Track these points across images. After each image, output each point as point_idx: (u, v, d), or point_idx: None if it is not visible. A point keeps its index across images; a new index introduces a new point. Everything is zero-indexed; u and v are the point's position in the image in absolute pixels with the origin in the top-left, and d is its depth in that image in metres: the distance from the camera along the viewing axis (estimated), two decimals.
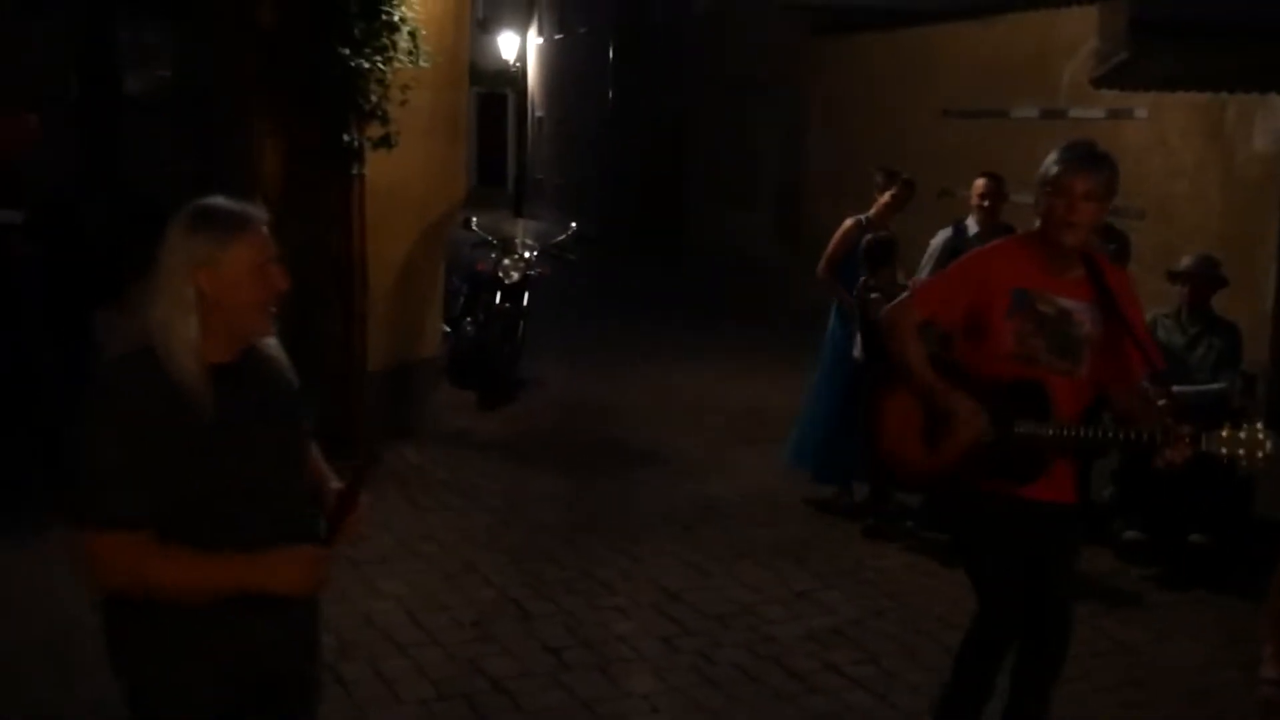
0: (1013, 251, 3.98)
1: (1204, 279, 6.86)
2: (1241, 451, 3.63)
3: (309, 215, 7.71)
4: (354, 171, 7.53)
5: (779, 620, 5.74)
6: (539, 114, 29.53)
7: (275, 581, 2.71)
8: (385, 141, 7.50)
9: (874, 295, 6.71)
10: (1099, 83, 10.59)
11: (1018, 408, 3.82)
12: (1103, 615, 5.87)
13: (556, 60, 28.12)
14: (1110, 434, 3.87)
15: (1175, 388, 6.60)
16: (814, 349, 7.75)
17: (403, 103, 7.49)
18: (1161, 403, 6.08)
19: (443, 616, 5.62)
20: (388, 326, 8.17)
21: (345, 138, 7.38)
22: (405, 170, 7.91)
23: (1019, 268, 3.88)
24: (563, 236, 11.24)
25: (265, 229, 2.72)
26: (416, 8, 7.60)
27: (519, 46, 27.82)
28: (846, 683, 5.12)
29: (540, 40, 29.01)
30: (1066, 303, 3.85)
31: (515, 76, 28.80)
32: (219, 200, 2.72)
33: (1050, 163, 3.80)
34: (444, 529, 6.76)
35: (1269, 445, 3.61)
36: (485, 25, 29.42)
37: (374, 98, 7.37)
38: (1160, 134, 10.01)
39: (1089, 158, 3.78)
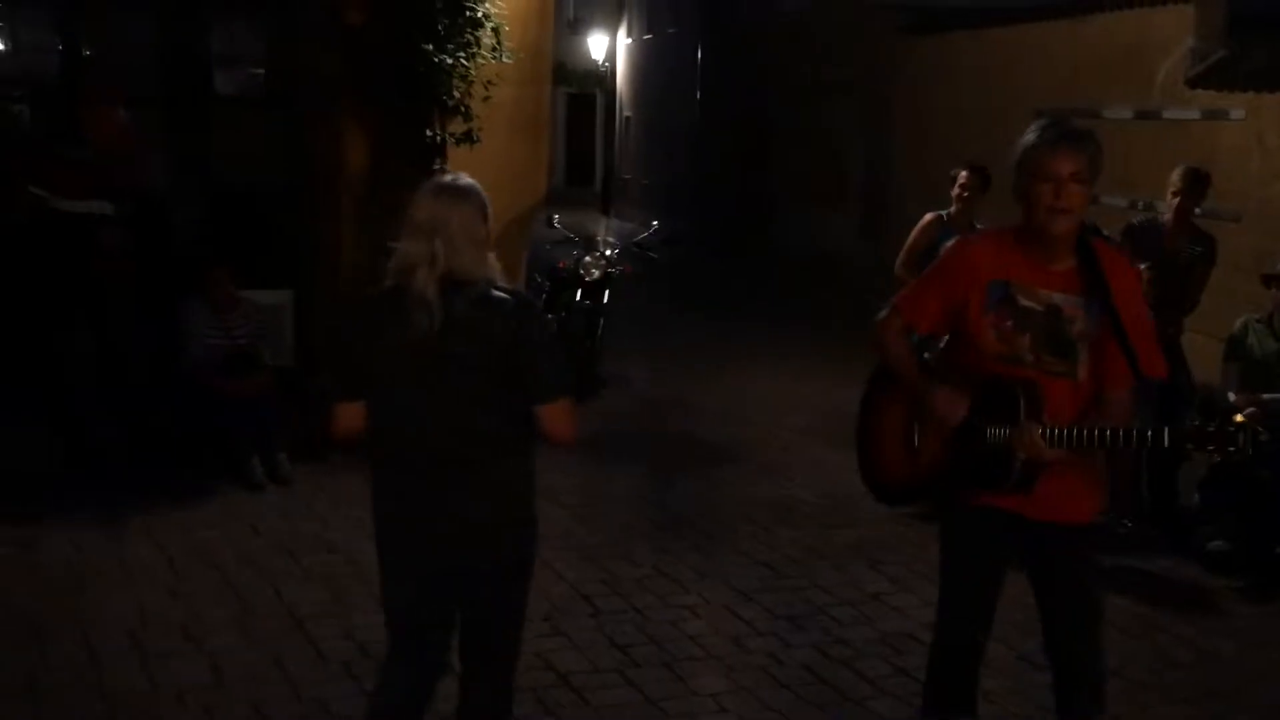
0: (992, 242, 3.70)
1: None
2: (1211, 446, 3.30)
3: (393, 211, 7.78)
4: (436, 167, 7.60)
5: (851, 623, 5.68)
6: (627, 114, 29.59)
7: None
8: (468, 137, 7.57)
9: None
10: (1195, 82, 10.42)
11: (994, 410, 3.55)
12: (1186, 625, 5.74)
13: (645, 61, 28.16)
14: (1084, 434, 3.45)
15: (1266, 395, 6.45)
16: None
17: (486, 99, 7.56)
18: (1250, 410, 5.95)
19: None
20: None
21: (428, 133, 7.46)
22: (488, 166, 7.90)
23: (998, 259, 3.61)
24: (645, 235, 11.24)
25: (484, 197, 3.58)
26: (500, 4, 7.67)
27: (608, 46, 27.91)
28: (917, 687, 5.02)
29: (629, 41, 29.07)
30: (1054, 297, 3.55)
31: (604, 77, 28.89)
32: (451, 175, 3.64)
33: (1027, 144, 3.51)
34: None
35: (1240, 438, 3.25)
36: (575, 26, 29.60)
37: (457, 93, 7.46)
38: (1258, 134, 9.79)
39: (1071, 135, 3.49)
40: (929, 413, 3.69)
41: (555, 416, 3.46)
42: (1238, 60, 10.15)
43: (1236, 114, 10.00)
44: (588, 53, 28.28)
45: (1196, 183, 7.08)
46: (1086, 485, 3.71)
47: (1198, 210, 7.23)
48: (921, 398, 3.71)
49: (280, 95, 8.24)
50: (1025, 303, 3.56)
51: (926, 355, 4.06)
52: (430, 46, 7.24)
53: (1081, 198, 3.46)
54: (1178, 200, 7.07)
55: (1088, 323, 3.53)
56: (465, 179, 3.58)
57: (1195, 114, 10.39)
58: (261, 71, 8.58)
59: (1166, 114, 10.71)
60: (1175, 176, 7.12)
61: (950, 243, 3.91)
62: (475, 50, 7.44)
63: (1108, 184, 7.99)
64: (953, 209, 7.31)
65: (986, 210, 7.41)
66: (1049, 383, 3.55)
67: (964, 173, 7.31)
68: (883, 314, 3.85)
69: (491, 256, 3.53)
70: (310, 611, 5.53)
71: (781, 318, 14.58)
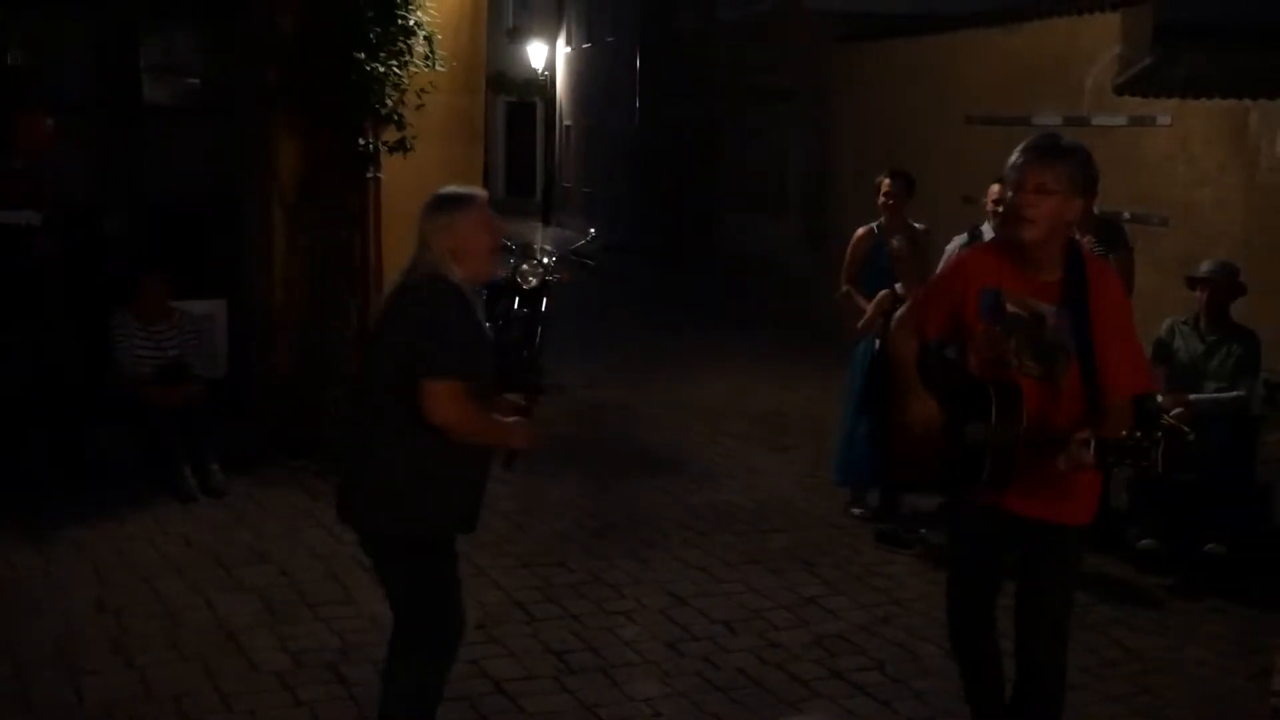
0: (987, 252, 4.00)
1: (1222, 285, 6.79)
2: (1128, 460, 3.46)
3: (326, 219, 7.81)
4: (370, 175, 7.57)
5: (786, 626, 5.71)
6: (567, 123, 29.58)
7: (518, 440, 3.99)
8: (401, 145, 7.54)
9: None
10: (1122, 89, 10.56)
11: (971, 410, 3.73)
12: (1115, 623, 5.82)
13: (584, 69, 28.17)
14: (1024, 435, 3.66)
15: (1192, 396, 6.55)
16: (838, 356, 7.72)
17: (419, 107, 7.53)
18: (1177, 411, 6.04)
19: None
20: None
21: (361, 142, 7.42)
22: (421, 174, 7.90)
23: (991, 268, 3.82)
24: (582, 242, 11.24)
25: (485, 201, 3.90)
26: (433, 12, 7.64)
27: (547, 55, 27.90)
28: (851, 689, 5.09)
29: (569, 49, 29.07)
30: (1041, 306, 3.72)
31: (544, 85, 28.86)
32: (456, 188, 3.94)
33: (1012, 159, 3.74)
34: None
35: (1155, 451, 3.38)
36: (514, 35, 29.53)
37: (390, 102, 7.42)
38: (1183, 140, 9.93)
39: (1044, 150, 3.68)
40: (912, 415, 3.96)
41: (430, 394, 3.71)
42: (1163, 67, 10.30)
43: (1163, 120, 10.14)
44: (527, 61, 28.24)
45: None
46: (1080, 488, 3.81)
47: (1124, 211, 7.29)
48: (909, 400, 3.97)
49: (212, 104, 8.17)
50: (1013, 309, 3.74)
51: (948, 353, 4.14)
52: (362, 55, 7.21)
53: (1047, 208, 3.62)
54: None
55: (1070, 332, 3.68)
56: (463, 190, 3.94)
57: (1123, 120, 10.53)
58: (194, 80, 8.49)
59: (1095, 120, 10.84)
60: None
61: (956, 253, 4.28)
62: (408, 59, 7.42)
63: None
64: (883, 219, 7.36)
65: (917, 214, 7.49)
66: (1030, 386, 3.72)
67: (886, 180, 7.35)
68: (899, 314, 4.21)
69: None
70: (243, 623, 5.48)
71: (722, 324, 14.63)
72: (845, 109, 15.37)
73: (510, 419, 3.96)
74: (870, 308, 6.95)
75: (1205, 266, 6.94)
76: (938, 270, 4.32)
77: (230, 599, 5.73)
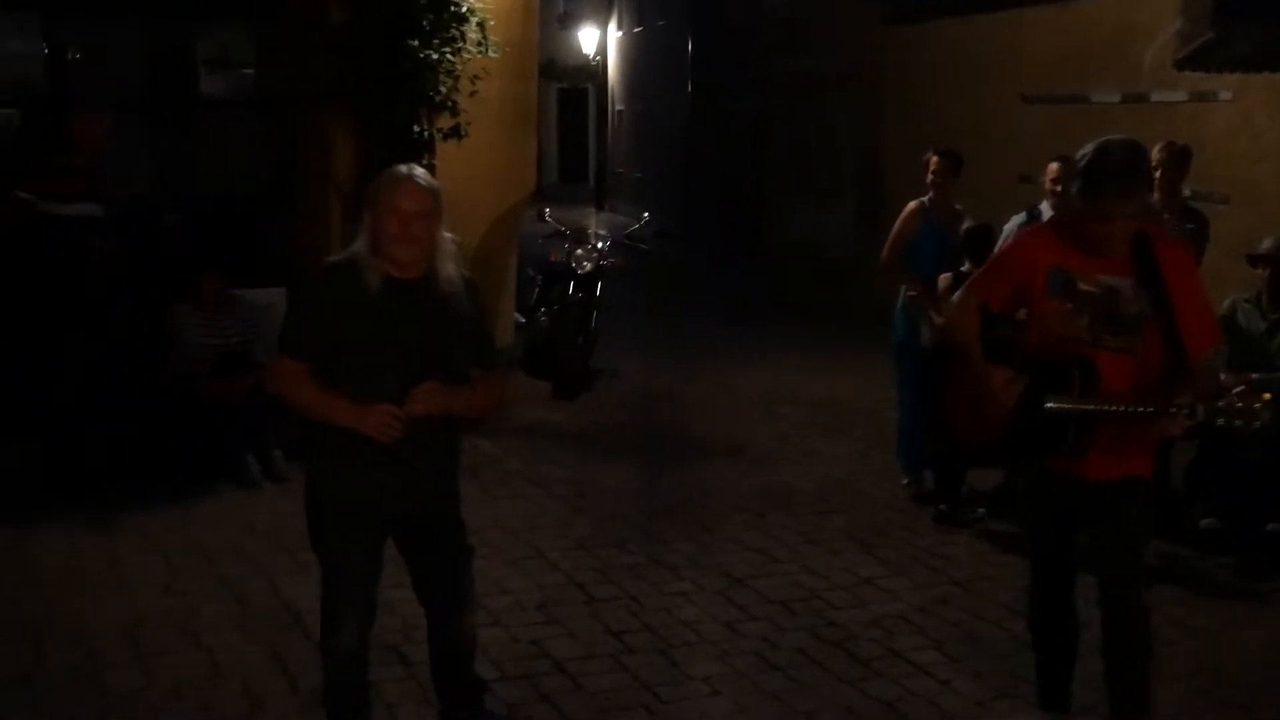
0: (1052, 233, 4.07)
1: None
2: (1238, 421, 3.61)
3: None
4: (424, 162, 7.61)
5: (844, 606, 5.71)
6: (619, 108, 29.57)
7: (351, 420, 3.72)
8: (455, 132, 7.59)
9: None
10: (1182, 64, 10.43)
11: (1050, 384, 3.83)
12: (1176, 604, 5.76)
13: (636, 54, 28.14)
14: (1121, 407, 3.81)
15: (1255, 375, 6.47)
16: (891, 341, 7.70)
17: (472, 93, 7.58)
18: (1239, 389, 5.97)
19: (507, 599, 5.68)
20: None
21: (415, 129, 7.47)
22: (476, 161, 8.00)
23: (1058, 248, 3.94)
24: (635, 226, 11.26)
25: (414, 188, 3.73)
26: None
27: (599, 40, 27.90)
28: (909, 668, 5.09)
29: (620, 34, 29.04)
30: (1111, 280, 3.87)
31: (596, 71, 28.87)
32: (403, 167, 3.82)
33: (1085, 161, 3.79)
34: (514, 517, 6.82)
35: (1265, 413, 3.58)
36: (565, 21, 29.56)
37: (443, 89, 7.47)
38: (1245, 116, 9.80)
39: (1128, 177, 3.76)
40: (986, 390, 4.01)
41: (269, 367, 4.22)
42: (1224, 43, 10.15)
43: (1224, 95, 10.01)
44: (578, 47, 28.24)
45: (1176, 156, 7.06)
46: (1144, 444, 3.97)
47: (1186, 191, 7.21)
48: (980, 375, 4.02)
49: (267, 96, 8.26)
50: (1085, 287, 3.87)
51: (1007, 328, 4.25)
52: (415, 42, 7.27)
53: (1126, 230, 3.81)
54: (1160, 175, 7.05)
55: (1144, 302, 3.83)
56: (398, 168, 3.86)
57: (1183, 96, 10.40)
58: (249, 73, 8.59)
59: (1154, 97, 10.71)
60: (1155, 153, 7.09)
61: (1015, 232, 4.38)
62: (461, 45, 7.47)
63: None
64: (930, 196, 7.32)
65: (961, 193, 7.43)
66: (1107, 359, 3.86)
67: (934, 158, 7.32)
68: (958, 295, 4.25)
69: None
70: (307, 605, 5.52)
71: (773, 310, 14.60)
72: (895, 91, 15.28)
73: (375, 407, 3.69)
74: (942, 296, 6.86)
75: (1267, 243, 6.84)
76: (998, 248, 4.35)
77: (294, 582, 5.80)
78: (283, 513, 6.80)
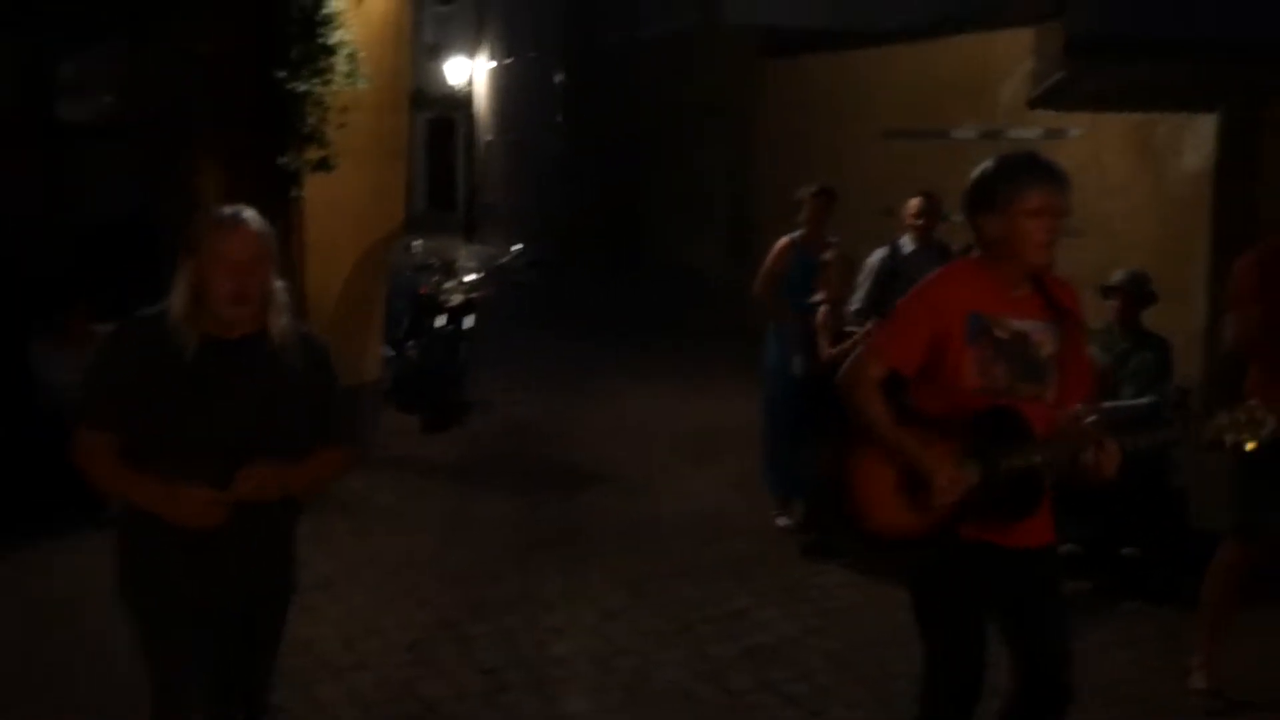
0: (962, 275, 3.68)
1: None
2: (1245, 435, 3.42)
3: None
4: (292, 195, 7.53)
5: (716, 639, 5.75)
6: (489, 138, 29.53)
7: (169, 509, 3.24)
8: (323, 164, 7.51)
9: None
10: (1035, 103, 10.79)
11: (996, 440, 3.51)
12: None
13: (506, 84, 28.14)
14: (1065, 451, 3.50)
15: (1106, 403, 6.69)
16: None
17: (341, 125, 7.50)
18: (1091, 419, 6.16)
19: (377, 640, 5.60)
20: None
21: (282, 161, 7.38)
22: (345, 193, 7.92)
23: (970, 291, 3.59)
24: (506, 258, 11.25)
25: (245, 234, 3.22)
26: (355, 30, 7.62)
27: (467, 71, 27.84)
28: (781, 700, 5.14)
29: (490, 64, 29.03)
30: (1021, 324, 3.58)
31: (464, 100, 28.80)
32: (230, 208, 3.30)
33: (998, 179, 3.53)
34: (386, 553, 6.74)
35: (1271, 417, 3.40)
36: (434, 50, 29.44)
37: (312, 120, 7.38)
38: (1095, 153, 10.15)
39: (1055, 172, 3.53)
40: (929, 482, 3.51)
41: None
42: (1075, 82, 10.53)
43: (1075, 133, 10.37)
44: (446, 77, 28.16)
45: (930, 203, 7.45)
46: (1049, 504, 3.70)
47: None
48: (920, 467, 3.52)
49: (134, 124, 8.06)
50: (998, 333, 3.57)
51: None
52: (284, 74, 7.18)
53: (1058, 231, 3.54)
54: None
55: (1055, 345, 3.59)
56: (229, 210, 3.33)
57: (1037, 133, 10.74)
58: (114, 100, 8.38)
59: (1010, 134, 11.06)
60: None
61: (927, 278, 3.74)
62: (330, 77, 7.39)
63: (956, 201, 8.24)
64: (803, 231, 7.46)
65: (836, 227, 7.58)
66: (1025, 407, 3.56)
67: (809, 195, 7.48)
68: (852, 366, 3.68)
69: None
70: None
71: (650, 338, 14.67)
72: (767, 123, 15.52)
73: (192, 490, 3.20)
74: (821, 334, 6.95)
75: (1117, 276, 7.10)
76: (909, 297, 3.76)
77: None
78: None
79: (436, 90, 29.11)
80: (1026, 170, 3.54)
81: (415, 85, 28.32)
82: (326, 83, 7.38)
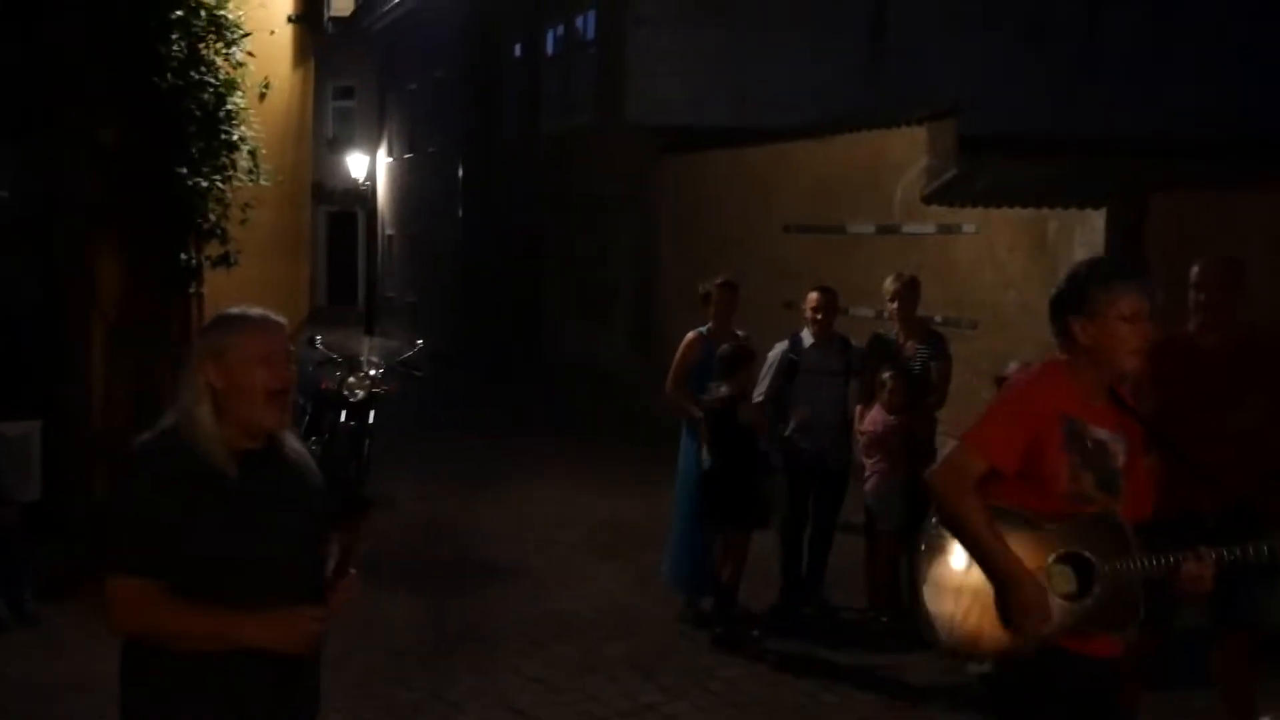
0: (1057, 378, 3.54)
1: None
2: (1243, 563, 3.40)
3: (150, 334, 7.63)
4: (192, 290, 7.46)
5: None
6: (390, 232, 29.53)
7: (268, 637, 2.93)
8: (225, 260, 7.47)
9: (722, 390, 6.90)
10: (929, 199, 11.10)
11: (1099, 547, 3.40)
12: (942, 713, 5.97)
13: (407, 179, 28.24)
14: (1170, 562, 3.41)
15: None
16: (669, 461, 7.84)
17: (243, 221, 7.48)
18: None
19: None
20: None
21: (183, 257, 7.32)
22: (247, 288, 7.86)
23: (1064, 395, 3.49)
24: (409, 353, 11.20)
25: (276, 327, 3.04)
26: (257, 127, 7.63)
27: (368, 165, 27.90)
28: None
29: (390, 159, 29.13)
30: (1101, 433, 3.48)
31: (365, 195, 28.83)
32: (240, 307, 3.10)
33: (1090, 282, 3.46)
34: None
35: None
36: (334, 145, 29.49)
37: (213, 216, 7.35)
38: (989, 247, 10.44)
39: (1140, 274, 3.49)
40: (1012, 612, 3.36)
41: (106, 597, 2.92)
42: (967, 178, 10.86)
43: (968, 228, 10.67)
44: (347, 171, 28.19)
45: (909, 285, 7.53)
46: None
47: (938, 317, 7.63)
48: (1007, 582, 3.35)
49: (30, 216, 7.94)
50: (1086, 440, 3.47)
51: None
52: (184, 169, 7.15)
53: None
54: (895, 306, 7.50)
55: (1125, 457, 3.51)
56: (242, 310, 3.12)
57: (932, 229, 11.04)
58: (9, 193, 8.26)
59: (905, 229, 11.34)
60: (888, 284, 7.56)
61: (1023, 376, 3.70)
62: (231, 173, 7.38)
63: (854, 295, 8.45)
64: (711, 325, 7.57)
65: (737, 320, 7.70)
66: None
67: (715, 289, 7.60)
68: (949, 460, 3.53)
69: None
70: None
71: (552, 432, 14.65)
72: (668, 218, 15.75)
73: (290, 613, 2.97)
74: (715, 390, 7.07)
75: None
76: (1008, 392, 3.72)
77: None
78: (35, 658, 6.44)
79: (338, 184, 29.11)
80: (1120, 275, 3.47)
81: (315, 179, 28.36)
82: (228, 179, 7.37)
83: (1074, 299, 3.48)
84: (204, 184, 7.23)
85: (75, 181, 7.40)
